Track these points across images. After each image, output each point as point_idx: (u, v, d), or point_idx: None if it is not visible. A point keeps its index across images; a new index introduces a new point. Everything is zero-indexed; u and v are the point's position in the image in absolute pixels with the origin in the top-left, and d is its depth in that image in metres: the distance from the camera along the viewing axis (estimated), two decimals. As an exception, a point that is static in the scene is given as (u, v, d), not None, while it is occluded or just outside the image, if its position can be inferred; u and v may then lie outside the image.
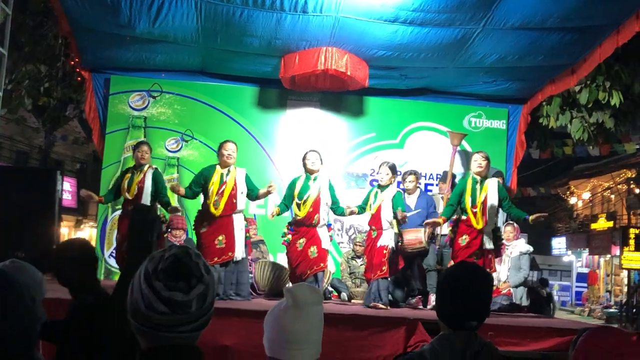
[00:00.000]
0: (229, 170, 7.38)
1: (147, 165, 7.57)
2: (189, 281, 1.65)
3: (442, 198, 8.89)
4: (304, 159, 7.64)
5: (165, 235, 8.71)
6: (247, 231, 7.54)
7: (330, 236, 7.68)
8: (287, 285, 2.37)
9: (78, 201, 24.82)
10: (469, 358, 2.40)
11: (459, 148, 9.54)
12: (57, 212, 5.21)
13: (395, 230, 7.55)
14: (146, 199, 7.39)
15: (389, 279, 7.55)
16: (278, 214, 7.60)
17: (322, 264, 7.37)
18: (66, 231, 27.65)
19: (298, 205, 7.45)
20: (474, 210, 7.26)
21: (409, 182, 8.65)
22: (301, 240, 7.40)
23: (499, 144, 10.13)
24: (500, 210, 7.78)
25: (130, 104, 9.76)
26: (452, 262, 7.74)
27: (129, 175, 7.56)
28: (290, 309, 2.30)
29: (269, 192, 7.52)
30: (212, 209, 7.20)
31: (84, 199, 7.92)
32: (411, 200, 8.57)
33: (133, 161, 7.87)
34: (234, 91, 9.97)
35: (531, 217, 7.36)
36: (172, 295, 1.63)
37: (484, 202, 7.26)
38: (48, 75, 11.90)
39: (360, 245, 8.96)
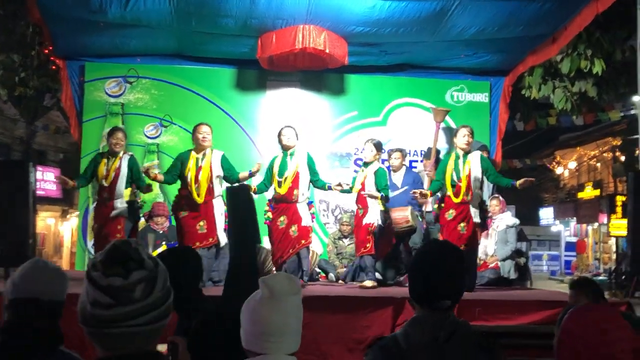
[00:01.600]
0: (204, 154, 7.26)
1: (122, 152, 7.44)
2: (127, 265, 1.56)
3: (427, 175, 8.83)
4: (279, 135, 7.53)
5: (148, 223, 8.62)
6: (227, 216, 7.44)
7: (313, 214, 7.58)
8: (261, 277, 2.26)
9: (63, 191, 24.61)
10: (443, 340, 2.31)
11: (442, 124, 9.45)
12: (31, 205, 5.08)
13: (381, 207, 7.47)
14: (122, 186, 7.28)
15: (375, 257, 7.46)
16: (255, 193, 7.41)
17: (303, 242, 7.26)
18: (53, 222, 27.48)
19: (279, 183, 7.32)
20: (459, 184, 7.23)
21: (395, 159, 8.58)
22: (282, 218, 7.31)
23: (482, 117, 10.05)
24: (486, 183, 7.76)
25: (106, 91, 9.59)
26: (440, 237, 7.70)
27: (104, 160, 7.41)
28: (266, 300, 2.21)
29: (251, 175, 7.35)
30: (195, 197, 7.10)
31: (60, 183, 7.80)
32: (397, 178, 8.51)
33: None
34: (212, 74, 9.82)
35: (518, 182, 7.33)
36: (111, 281, 1.54)
37: (468, 176, 7.23)
38: (23, 65, 11.69)
39: (346, 225, 8.89)
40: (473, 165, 7.30)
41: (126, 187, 7.34)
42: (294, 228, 7.25)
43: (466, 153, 7.39)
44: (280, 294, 2.20)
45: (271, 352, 2.16)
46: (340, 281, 8.45)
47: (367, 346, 2.46)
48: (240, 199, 3.67)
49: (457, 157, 7.36)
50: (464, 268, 2.59)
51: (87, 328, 1.56)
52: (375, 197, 7.32)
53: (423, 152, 9.72)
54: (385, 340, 2.39)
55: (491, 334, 2.50)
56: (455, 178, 7.28)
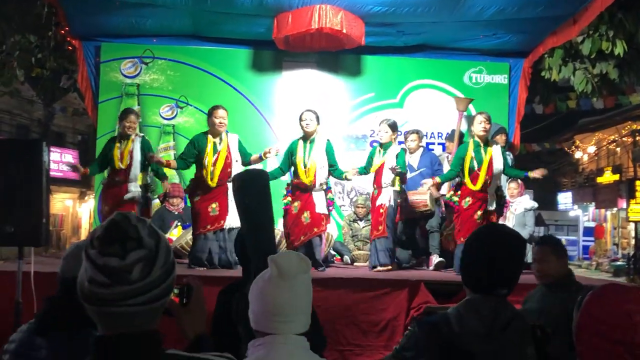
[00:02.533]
0: (221, 139, 7.18)
1: (134, 134, 7.40)
2: (125, 244, 1.48)
3: (447, 158, 8.73)
4: (300, 119, 7.44)
5: (163, 204, 8.60)
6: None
7: (331, 199, 7.50)
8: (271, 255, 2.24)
9: (81, 173, 24.70)
10: (498, 329, 2.22)
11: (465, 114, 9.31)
12: (45, 185, 5.03)
13: (396, 188, 7.39)
14: (136, 169, 7.27)
15: (388, 238, 7.38)
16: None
17: (315, 229, 7.19)
18: (71, 203, 27.71)
19: (305, 172, 7.25)
20: (478, 172, 7.13)
21: (411, 141, 8.49)
22: (296, 204, 7.26)
23: (500, 99, 9.91)
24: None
25: (122, 72, 9.56)
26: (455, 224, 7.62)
27: (117, 145, 7.39)
28: (274, 279, 2.15)
29: (261, 159, 7.31)
30: (209, 181, 7.05)
31: (73, 170, 7.80)
32: (414, 159, 8.42)
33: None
34: (228, 54, 9.74)
35: (531, 174, 7.29)
36: (107, 261, 1.47)
37: (489, 166, 7.14)
38: (39, 46, 11.69)
39: (361, 207, 8.83)
40: (495, 156, 7.21)
41: (140, 171, 7.32)
42: (306, 214, 7.20)
43: (486, 142, 7.28)
44: (289, 273, 2.14)
45: (280, 332, 2.11)
46: (355, 264, 8.41)
47: (413, 318, 2.39)
48: (257, 185, 3.60)
49: (477, 145, 7.26)
50: (524, 254, 2.49)
51: (87, 305, 1.51)
52: (402, 173, 7.26)
53: (440, 135, 9.63)
54: (437, 318, 2.30)
55: (545, 329, 2.40)
56: (475, 165, 7.17)
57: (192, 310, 1.85)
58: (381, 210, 7.26)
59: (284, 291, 2.12)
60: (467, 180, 7.23)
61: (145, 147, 7.41)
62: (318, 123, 7.40)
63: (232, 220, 7.06)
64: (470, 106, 9.59)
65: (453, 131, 9.02)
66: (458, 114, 9.07)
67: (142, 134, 7.60)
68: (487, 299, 2.25)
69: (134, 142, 7.34)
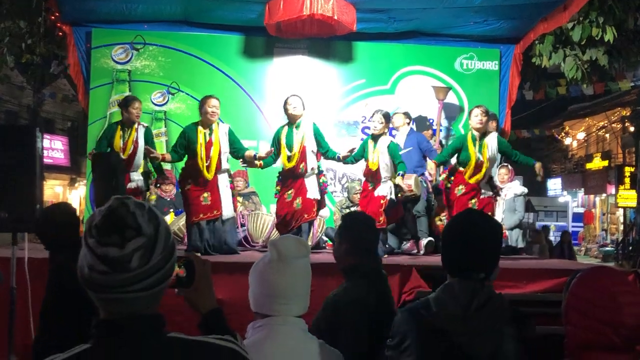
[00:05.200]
0: (211, 129, 7.05)
1: (136, 123, 7.35)
2: (123, 234, 1.48)
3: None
4: (285, 104, 7.38)
5: (156, 190, 8.61)
6: (232, 188, 7.34)
7: (324, 182, 7.49)
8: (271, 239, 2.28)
9: (71, 159, 24.67)
10: (475, 309, 2.28)
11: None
12: (38, 171, 5.03)
13: (395, 181, 7.39)
14: (140, 158, 7.22)
15: (386, 230, 7.40)
16: (261, 167, 7.40)
17: (306, 215, 7.18)
18: (61, 190, 27.58)
19: (289, 158, 7.24)
20: (478, 166, 7.17)
21: (397, 119, 8.52)
22: (290, 192, 7.24)
23: (491, 85, 9.95)
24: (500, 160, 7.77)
25: (113, 58, 9.52)
26: (446, 210, 7.68)
27: (119, 132, 7.28)
28: (274, 262, 2.20)
29: (257, 158, 7.22)
30: (205, 173, 6.93)
31: None
32: (400, 139, 8.39)
33: (119, 116, 7.63)
34: (219, 41, 9.72)
35: (537, 165, 7.41)
36: (106, 251, 1.47)
37: (488, 159, 7.20)
38: (29, 32, 11.64)
39: (357, 193, 8.86)
40: (490, 148, 7.25)
41: (142, 159, 7.30)
42: (298, 200, 7.18)
43: (482, 134, 7.31)
44: (288, 257, 2.18)
45: (279, 314, 2.16)
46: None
47: (398, 307, 2.44)
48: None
49: (474, 139, 7.27)
50: (500, 239, 2.53)
51: (87, 290, 1.52)
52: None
53: (432, 121, 9.65)
54: (416, 304, 2.36)
55: (524, 313, 2.46)
56: (474, 160, 7.20)
57: (198, 287, 1.84)
58: (382, 202, 7.20)
59: (284, 274, 2.17)
60: (467, 171, 7.25)
61: (149, 138, 7.34)
62: (304, 108, 7.38)
63: (227, 210, 7.05)
64: (462, 93, 9.65)
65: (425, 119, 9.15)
66: (438, 103, 9.13)
67: (146, 124, 7.51)
68: (465, 282, 2.30)
69: (137, 131, 7.26)
